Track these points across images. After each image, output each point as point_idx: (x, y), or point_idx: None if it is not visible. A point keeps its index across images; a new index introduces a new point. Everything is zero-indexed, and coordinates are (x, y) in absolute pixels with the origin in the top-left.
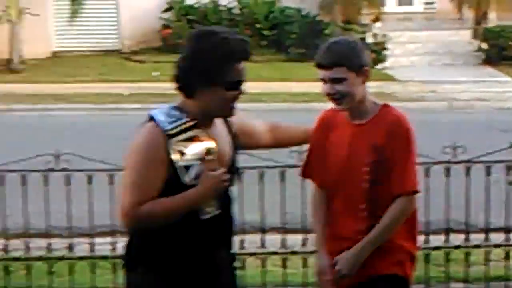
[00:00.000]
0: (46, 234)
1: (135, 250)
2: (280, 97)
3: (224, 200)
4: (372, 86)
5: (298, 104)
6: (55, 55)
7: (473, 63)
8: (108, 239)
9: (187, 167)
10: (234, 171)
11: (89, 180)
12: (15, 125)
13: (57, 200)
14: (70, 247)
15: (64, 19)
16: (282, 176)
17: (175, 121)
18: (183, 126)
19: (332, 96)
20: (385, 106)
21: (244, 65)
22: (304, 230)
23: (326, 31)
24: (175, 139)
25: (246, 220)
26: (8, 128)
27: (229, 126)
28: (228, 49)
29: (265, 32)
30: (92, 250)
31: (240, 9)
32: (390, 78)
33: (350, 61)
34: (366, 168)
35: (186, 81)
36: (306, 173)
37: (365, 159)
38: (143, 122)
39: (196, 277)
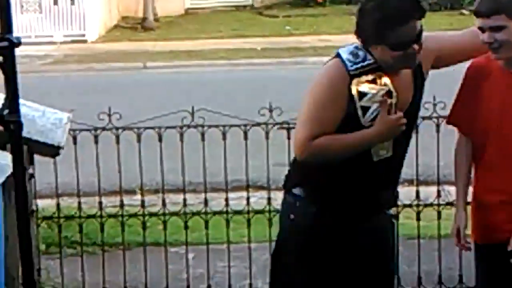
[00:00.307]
0: (181, 190)
1: (298, 172)
2: None
3: (399, 144)
4: None
5: None
6: (188, 12)
7: None
8: (243, 193)
9: (365, 108)
10: (412, 116)
11: (224, 136)
12: (151, 82)
13: (192, 156)
14: (206, 202)
15: None
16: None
17: (360, 62)
18: (367, 68)
19: (490, 45)
20: None
21: (413, 24)
22: (438, 182)
23: None
24: (357, 79)
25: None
26: (143, 85)
27: (419, 65)
28: (386, 12)
29: None
30: (227, 205)
31: None
32: None
33: (509, 8)
34: None
35: (359, 36)
36: (451, 119)
37: None
38: (329, 59)
39: (356, 214)
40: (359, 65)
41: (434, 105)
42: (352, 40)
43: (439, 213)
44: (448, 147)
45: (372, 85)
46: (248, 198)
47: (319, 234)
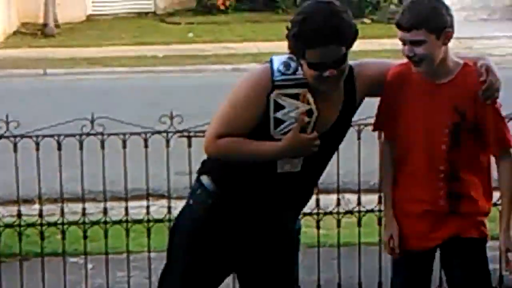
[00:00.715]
0: (80, 199)
1: (209, 161)
2: None
3: (311, 163)
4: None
5: None
6: (90, 18)
7: (510, 17)
8: (143, 202)
9: (280, 121)
10: (333, 139)
11: (124, 144)
12: (51, 89)
13: (92, 164)
14: (105, 211)
15: None
16: None
17: (288, 74)
18: (293, 82)
19: (410, 58)
20: (466, 65)
21: (333, 48)
22: (337, 191)
23: None
24: (279, 90)
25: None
26: (43, 92)
27: (351, 89)
28: (306, 29)
29: None
30: (126, 214)
31: None
32: None
33: (430, 23)
34: (446, 129)
35: (288, 47)
36: (376, 126)
37: (446, 120)
38: (264, 62)
39: (249, 218)
40: (285, 77)
41: None
42: (253, 48)
43: (338, 221)
44: (347, 157)
45: (293, 100)
46: (148, 207)
47: (208, 227)
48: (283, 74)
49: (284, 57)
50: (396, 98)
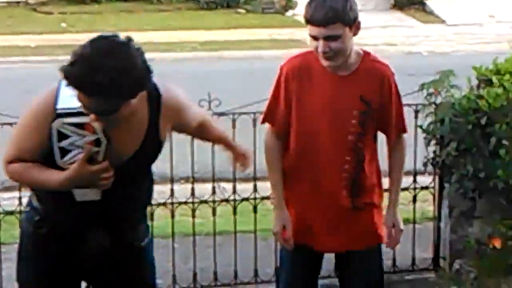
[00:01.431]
0: None
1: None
2: (190, 46)
3: (115, 192)
4: (282, 33)
5: (208, 53)
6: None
7: (383, 8)
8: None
9: (65, 151)
10: (133, 170)
11: None
12: None
13: None
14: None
15: None
16: None
17: (74, 100)
18: (76, 110)
19: (324, 54)
20: (367, 54)
21: (81, 95)
22: (213, 179)
23: None
24: (61, 119)
25: (154, 170)
26: None
27: (154, 119)
28: (71, 76)
29: None
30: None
31: None
32: (300, 25)
33: (345, 16)
34: (354, 120)
35: None
36: (267, 118)
37: (353, 110)
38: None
39: (67, 239)
40: (69, 105)
41: (210, 101)
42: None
43: (214, 209)
44: None
45: (78, 129)
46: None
47: (40, 242)
48: (69, 100)
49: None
50: (294, 92)
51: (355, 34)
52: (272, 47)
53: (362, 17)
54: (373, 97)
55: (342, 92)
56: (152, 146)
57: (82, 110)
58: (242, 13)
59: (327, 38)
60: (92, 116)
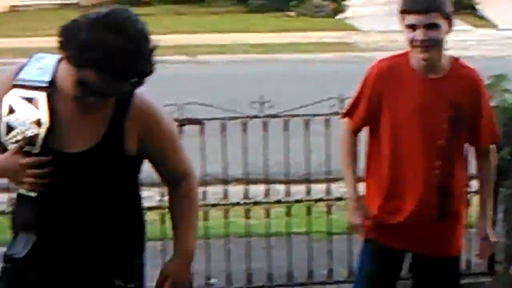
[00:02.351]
0: None
1: None
2: (241, 48)
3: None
4: (333, 36)
5: (259, 55)
6: (13, 9)
7: None
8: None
9: (10, 127)
10: (94, 169)
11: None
12: None
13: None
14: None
15: None
16: (244, 126)
17: (34, 73)
18: (34, 83)
19: (422, 43)
20: (456, 59)
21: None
22: (266, 181)
23: None
24: (17, 90)
25: (208, 172)
26: None
27: (120, 118)
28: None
29: None
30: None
31: None
32: (350, 28)
33: (445, 7)
34: (445, 125)
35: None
36: (347, 113)
37: (443, 115)
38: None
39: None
40: (28, 77)
41: (262, 103)
42: (181, 40)
43: (267, 211)
44: (275, 148)
45: (26, 104)
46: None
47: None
48: (30, 73)
49: (48, 55)
50: (382, 92)
51: (447, 32)
52: (323, 50)
53: (395, 21)
54: (463, 102)
55: (432, 95)
56: (110, 151)
57: (40, 84)
58: (292, 16)
59: (426, 26)
60: (93, 98)
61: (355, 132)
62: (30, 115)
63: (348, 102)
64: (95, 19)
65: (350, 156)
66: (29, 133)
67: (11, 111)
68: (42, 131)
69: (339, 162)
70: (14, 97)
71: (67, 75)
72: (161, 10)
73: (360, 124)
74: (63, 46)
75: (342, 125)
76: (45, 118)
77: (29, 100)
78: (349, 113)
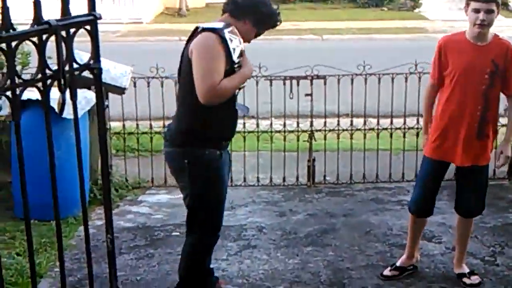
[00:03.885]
0: None
1: (184, 124)
2: (351, 31)
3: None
4: (411, 23)
5: (363, 35)
6: (208, 5)
7: None
8: None
9: (233, 50)
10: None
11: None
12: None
13: None
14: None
15: None
16: (351, 81)
17: (225, 27)
18: (227, 28)
19: (482, 22)
20: (496, 35)
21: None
22: (364, 115)
23: None
24: (227, 34)
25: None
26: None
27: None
28: (270, 12)
29: None
30: None
31: None
32: (423, 18)
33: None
34: (486, 75)
35: (234, 9)
36: (433, 74)
37: (487, 68)
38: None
39: (226, 154)
40: (226, 29)
41: (364, 67)
42: (314, 25)
43: (364, 135)
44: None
45: (234, 37)
46: None
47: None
48: (223, 28)
49: (214, 23)
50: (446, 54)
51: (497, 15)
52: (405, 32)
53: (454, 13)
54: (500, 61)
55: (480, 56)
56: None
57: (230, 29)
58: (385, 10)
59: (486, 11)
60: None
61: (435, 86)
62: (238, 43)
63: (420, 66)
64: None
65: (428, 103)
66: (241, 48)
67: (231, 41)
68: (242, 46)
69: (420, 106)
70: (227, 35)
71: (245, 29)
72: (300, 6)
73: (437, 80)
74: (245, 14)
75: (427, 82)
76: (242, 42)
77: (234, 33)
78: (431, 75)
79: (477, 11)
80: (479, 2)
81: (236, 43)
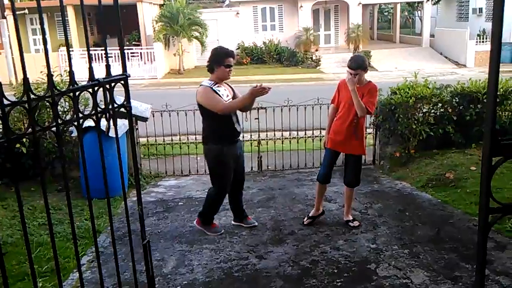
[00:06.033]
0: None
1: (205, 133)
2: (280, 80)
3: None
4: (312, 75)
5: (287, 83)
6: (196, 67)
7: None
8: None
9: (222, 95)
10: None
11: None
12: (185, 95)
13: None
14: None
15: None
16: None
17: (211, 83)
18: (215, 84)
19: (354, 77)
20: (369, 82)
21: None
22: (289, 129)
23: (298, 55)
24: (214, 87)
25: None
26: (179, 97)
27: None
28: (222, 51)
29: (274, 56)
30: None
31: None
32: (321, 72)
33: (363, 66)
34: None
35: (209, 66)
36: (333, 101)
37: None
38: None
39: (231, 148)
40: (212, 85)
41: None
42: (257, 78)
43: (290, 142)
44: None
45: (219, 87)
46: None
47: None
48: (210, 84)
49: (206, 81)
50: (340, 90)
51: (365, 73)
52: (311, 80)
53: (340, 69)
54: (365, 95)
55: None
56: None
57: (215, 84)
58: (300, 67)
59: (354, 75)
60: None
61: (334, 108)
62: (223, 91)
63: (320, 100)
64: (219, 49)
65: (330, 118)
66: (227, 94)
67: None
68: (228, 92)
69: (322, 124)
70: (215, 89)
71: (220, 72)
72: (250, 66)
73: (336, 104)
74: (214, 63)
75: (329, 106)
76: (227, 92)
77: (219, 89)
78: (332, 100)
79: (349, 73)
80: (350, 68)
81: (222, 91)
